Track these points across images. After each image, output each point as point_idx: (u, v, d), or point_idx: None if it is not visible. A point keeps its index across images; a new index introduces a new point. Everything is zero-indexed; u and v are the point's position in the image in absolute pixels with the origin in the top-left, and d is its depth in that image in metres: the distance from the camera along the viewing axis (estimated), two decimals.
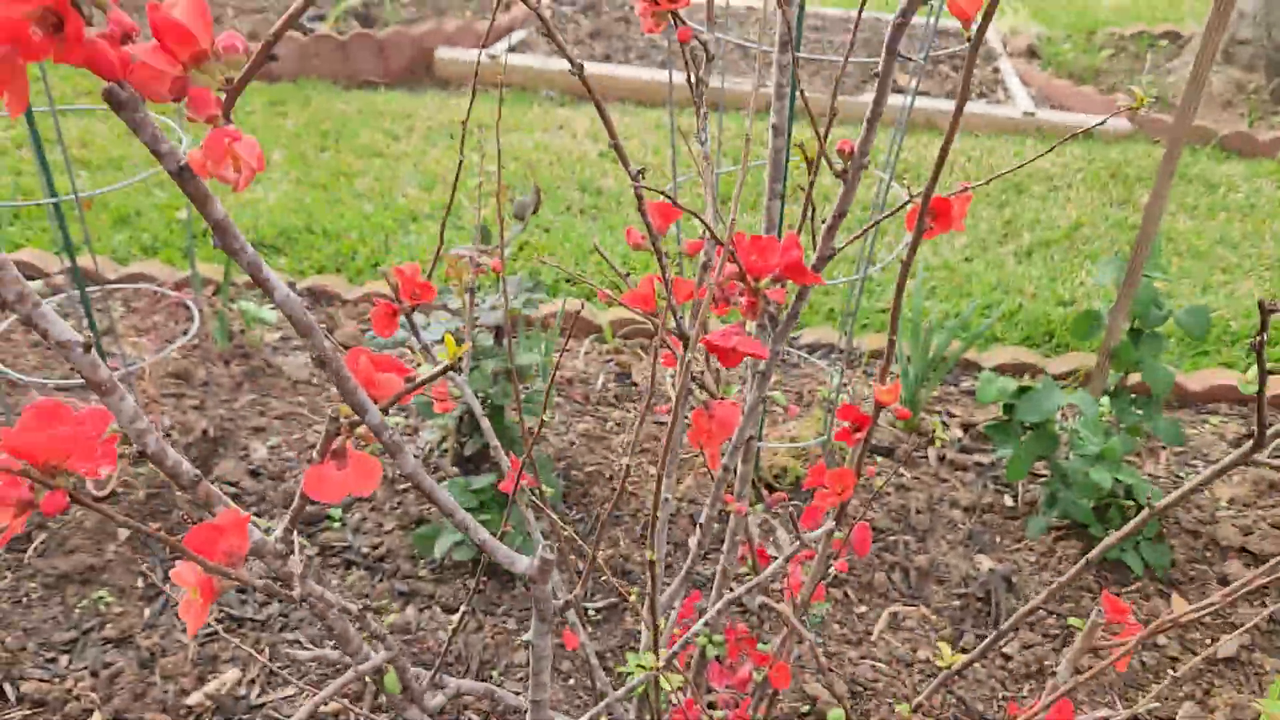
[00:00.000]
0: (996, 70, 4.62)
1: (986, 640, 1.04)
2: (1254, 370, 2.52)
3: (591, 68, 4.19)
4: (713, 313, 0.92)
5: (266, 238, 2.88)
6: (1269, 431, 0.78)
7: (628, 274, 1.03)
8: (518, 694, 1.22)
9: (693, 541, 1.03)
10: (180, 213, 2.97)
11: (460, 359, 0.69)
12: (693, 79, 0.92)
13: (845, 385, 2.30)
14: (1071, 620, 0.98)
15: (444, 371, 0.65)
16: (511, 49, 4.36)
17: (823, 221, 0.85)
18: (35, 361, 2.25)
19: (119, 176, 3.16)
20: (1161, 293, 1.94)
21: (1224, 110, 4.34)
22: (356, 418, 0.63)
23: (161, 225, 2.90)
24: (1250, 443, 0.79)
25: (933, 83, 4.45)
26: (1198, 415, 2.36)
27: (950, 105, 4.13)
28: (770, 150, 1.01)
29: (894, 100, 4.00)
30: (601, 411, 2.23)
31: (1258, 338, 0.67)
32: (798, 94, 1.01)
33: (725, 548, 1.18)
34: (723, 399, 0.96)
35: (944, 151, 0.80)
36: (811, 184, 0.83)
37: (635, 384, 2.32)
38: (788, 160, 1.01)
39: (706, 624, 1.20)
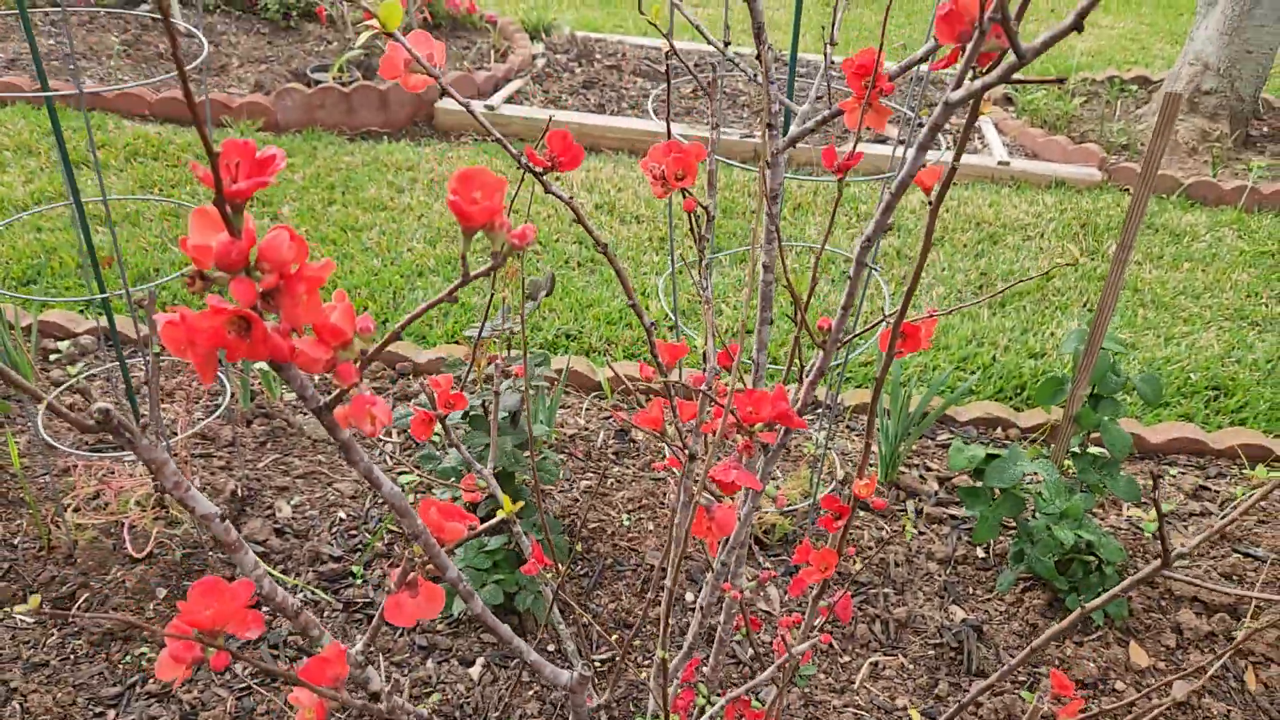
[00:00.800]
0: (978, 130, 4.80)
1: (951, 711, 1.19)
2: (1155, 512, 2.69)
3: (585, 118, 4.36)
4: (720, 435, 1.08)
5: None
6: (1173, 553, 0.93)
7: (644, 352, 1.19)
8: None
9: (693, 623, 1.18)
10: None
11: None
12: (698, 233, 1.08)
13: (831, 440, 2.46)
14: (1024, 694, 1.13)
15: (499, 523, 0.81)
16: (509, 100, 4.52)
17: (807, 375, 1.01)
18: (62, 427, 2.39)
19: (135, 232, 3.31)
20: (1125, 345, 2.10)
21: (1190, 158, 4.54)
22: (427, 558, 0.78)
23: (179, 284, 3.04)
24: (1158, 562, 0.94)
25: (908, 132, 4.63)
26: (1157, 466, 2.53)
27: (934, 157, 4.30)
28: (761, 284, 1.17)
29: (879, 150, 4.18)
30: (603, 467, 2.39)
31: (1154, 492, 0.82)
32: (782, 269, 1.17)
33: (722, 619, 1.33)
34: (722, 503, 1.11)
35: (911, 289, 0.96)
36: (796, 343, 0.99)
37: (634, 441, 2.48)
38: (770, 297, 1.17)
39: (705, 681, 1.35)
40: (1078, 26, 0.58)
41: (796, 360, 1.01)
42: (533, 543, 1.37)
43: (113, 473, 2.15)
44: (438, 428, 1.82)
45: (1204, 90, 4.61)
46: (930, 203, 0.96)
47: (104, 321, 2.76)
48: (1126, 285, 3.45)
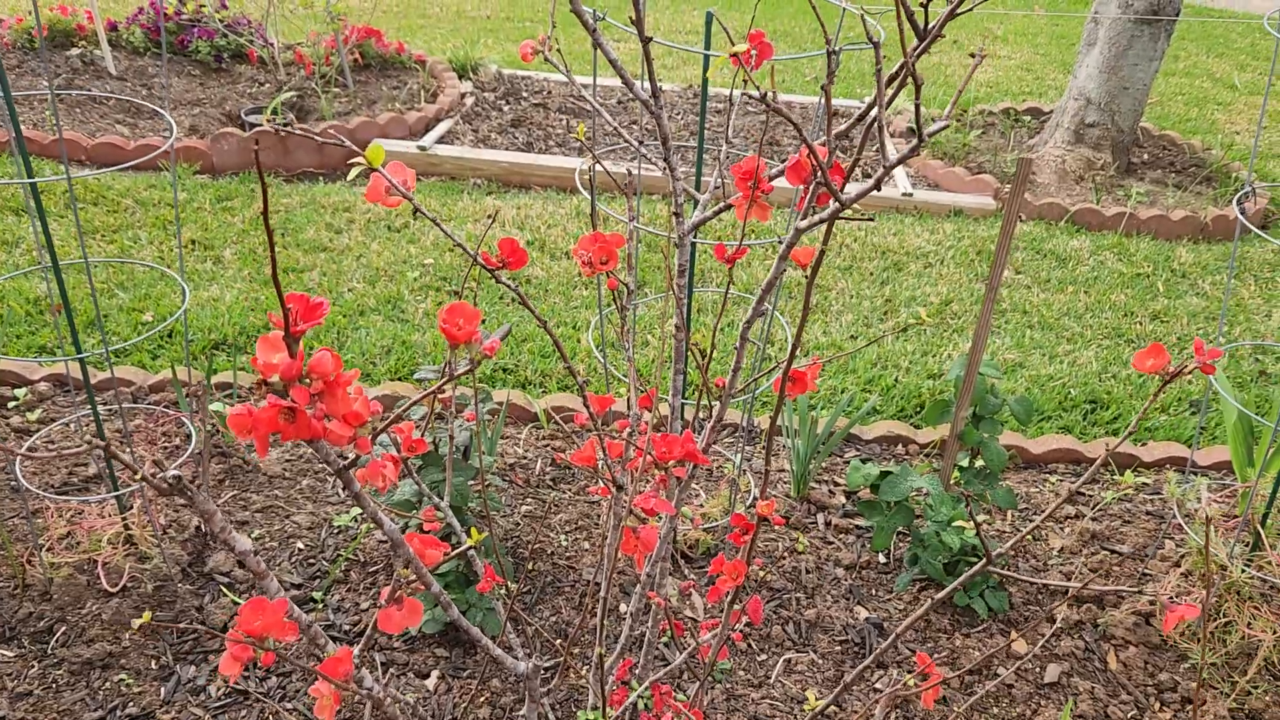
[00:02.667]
0: (879, 151, 5.13)
1: (840, 687, 1.43)
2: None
3: (516, 156, 4.57)
4: (638, 471, 1.31)
5: (229, 336, 3.19)
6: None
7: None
8: None
9: (624, 628, 1.41)
10: (146, 315, 3.26)
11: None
12: (620, 303, 1.31)
13: (747, 461, 2.71)
14: (908, 679, 1.37)
15: (466, 550, 1.02)
16: (440, 140, 4.72)
17: (713, 419, 1.25)
18: (33, 467, 2.53)
19: (80, 280, 3.43)
20: (1001, 370, 2.37)
21: (1077, 185, 4.92)
22: (414, 578, 0.99)
23: (129, 328, 3.18)
24: (983, 560, 1.19)
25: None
26: (1039, 475, 2.82)
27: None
28: (674, 342, 1.40)
29: (784, 185, 4.47)
30: (541, 494, 2.60)
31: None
32: (690, 343, 1.41)
33: (649, 624, 1.56)
34: (646, 524, 1.34)
35: (794, 345, 1.20)
36: (700, 393, 1.22)
37: (569, 468, 2.69)
38: (687, 349, 1.41)
39: (637, 679, 1.58)
40: (876, 187, 0.82)
41: (704, 405, 1.24)
42: (485, 565, 1.58)
43: (82, 514, 2.30)
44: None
45: (1087, 123, 5.00)
46: (806, 276, 1.20)
47: (57, 369, 2.90)
48: (1016, 308, 3.77)
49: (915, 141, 0.96)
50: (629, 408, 1.28)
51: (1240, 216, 2.10)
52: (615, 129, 1.31)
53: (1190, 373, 1.06)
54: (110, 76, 5.05)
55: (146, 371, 2.96)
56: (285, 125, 4.52)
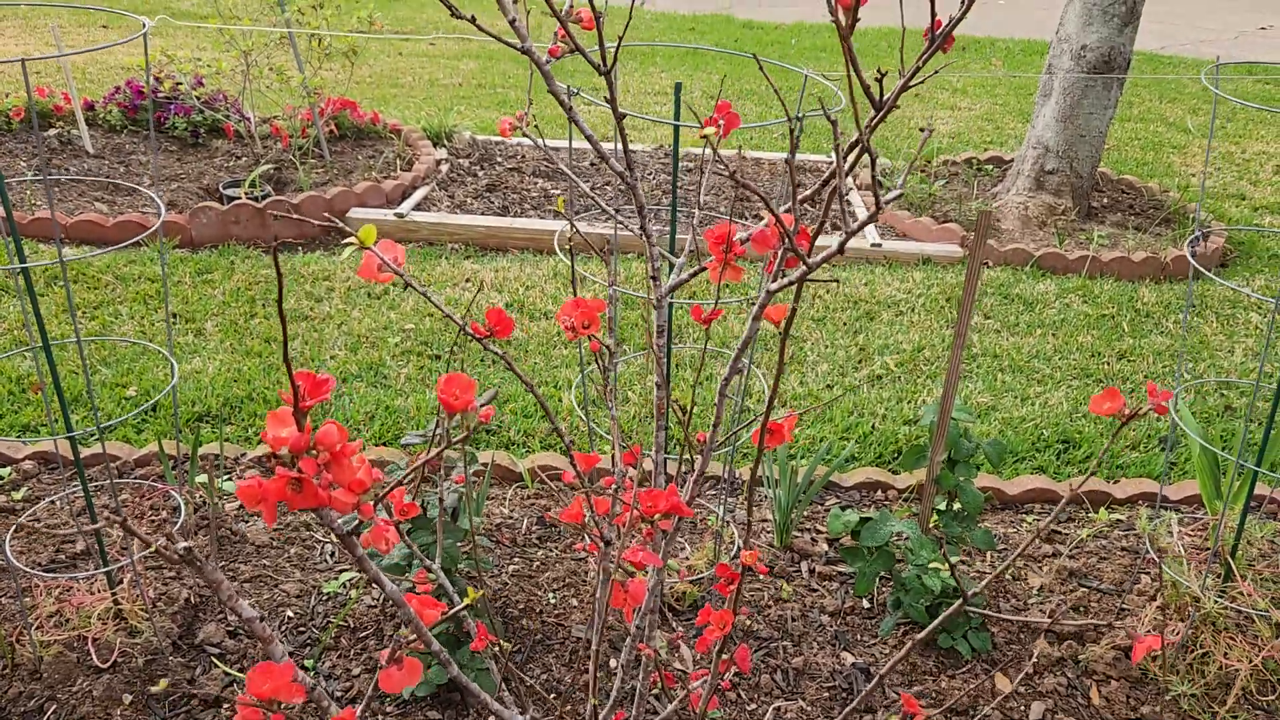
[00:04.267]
0: (848, 204, 5.25)
1: None
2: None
3: (492, 220, 4.66)
4: (626, 525, 1.35)
5: (212, 408, 3.21)
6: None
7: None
8: None
9: (615, 682, 1.44)
10: (130, 390, 3.28)
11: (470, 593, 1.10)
12: (603, 365, 1.36)
13: (730, 513, 2.75)
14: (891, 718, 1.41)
15: (463, 609, 1.06)
16: (417, 207, 4.80)
17: (694, 472, 1.30)
18: (20, 546, 2.53)
19: (64, 355, 3.46)
20: (974, 414, 2.43)
21: (1040, 230, 5.05)
22: (414, 637, 1.03)
23: (112, 404, 3.21)
24: (960, 600, 1.24)
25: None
26: (1016, 515, 2.88)
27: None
28: (656, 398, 1.45)
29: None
30: (528, 553, 2.63)
31: None
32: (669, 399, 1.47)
33: (640, 676, 1.59)
34: (634, 578, 1.39)
35: (771, 400, 1.25)
36: (683, 448, 1.28)
37: (555, 526, 2.73)
38: (668, 405, 1.46)
39: None
40: (840, 251, 0.89)
41: (687, 460, 1.29)
42: (478, 625, 1.61)
43: (71, 590, 2.31)
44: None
45: (1047, 170, 5.15)
46: (780, 334, 1.26)
47: (41, 448, 2.91)
48: (987, 353, 3.86)
49: (873, 211, 1.03)
50: (614, 464, 1.33)
51: (1192, 260, 2.19)
52: (592, 198, 1.37)
53: (1145, 414, 1.13)
54: (88, 155, 5.12)
55: (131, 446, 2.99)
56: (263, 197, 4.59)
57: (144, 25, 1.83)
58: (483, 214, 4.82)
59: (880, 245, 4.69)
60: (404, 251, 1.06)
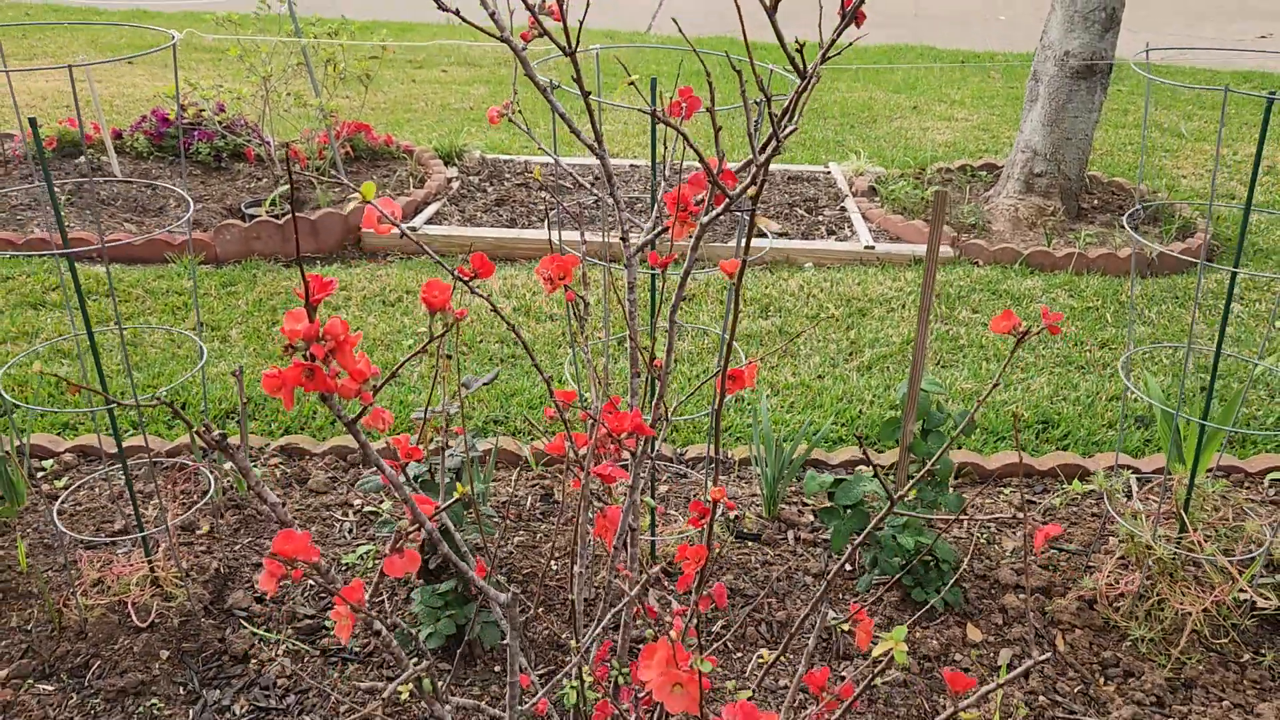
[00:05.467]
0: (843, 209, 5.45)
1: (788, 638, 1.64)
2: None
3: (500, 233, 4.87)
4: (602, 453, 1.54)
5: (237, 406, 3.42)
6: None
7: (545, 430, 1.65)
8: (493, 717, 1.78)
9: (600, 608, 1.62)
10: (161, 390, 3.50)
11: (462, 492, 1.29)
12: (573, 327, 1.55)
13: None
14: (844, 626, 1.58)
15: (460, 499, 1.25)
16: (429, 221, 5.02)
17: (660, 398, 1.49)
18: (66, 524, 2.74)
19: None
20: (961, 396, 2.60)
21: (1030, 231, 5.22)
22: (413, 529, 1.22)
23: (145, 402, 3.42)
24: (888, 505, 1.42)
25: (790, 224, 5.25)
26: (994, 488, 3.04)
27: (805, 244, 4.91)
28: (630, 349, 1.64)
29: (757, 242, 4.76)
30: (532, 526, 2.81)
31: None
32: (638, 340, 1.66)
33: (624, 605, 1.77)
34: (611, 504, 1.57)
35: (728, 348, 1.44)
36: (658, 397, 1.47)
37: (557, 502, 2.91)
38: (636, 358, 1.65)
39: (617, 658, 1.79)
40: (754, 183, 1.08)
41: (661, 405, 1.48)
42: (477, 560, 1.80)
43: (111, 562, 2.51)
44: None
45: (1036, 173, 5.33)
46: (733, 285, 1.45)
47: (80, 441, 3.13)
48: (973, 344, 4.03)
49: (775, 145, 1.22)
50: (593, 399, 1.52)
51: (1132, 231, 2.36)
52: (574, 179, 1.57)
53: (1039, 333, 1.31)
54: (116, 180, 5.38)
55: (163, 439, 3.20)
56: (283, 214, 4.82)
57: (173, 37, 2.05)
58: (492, 226, 5.04)
59: (874, 248, 4.88)
60: (399, 208, 1.26)
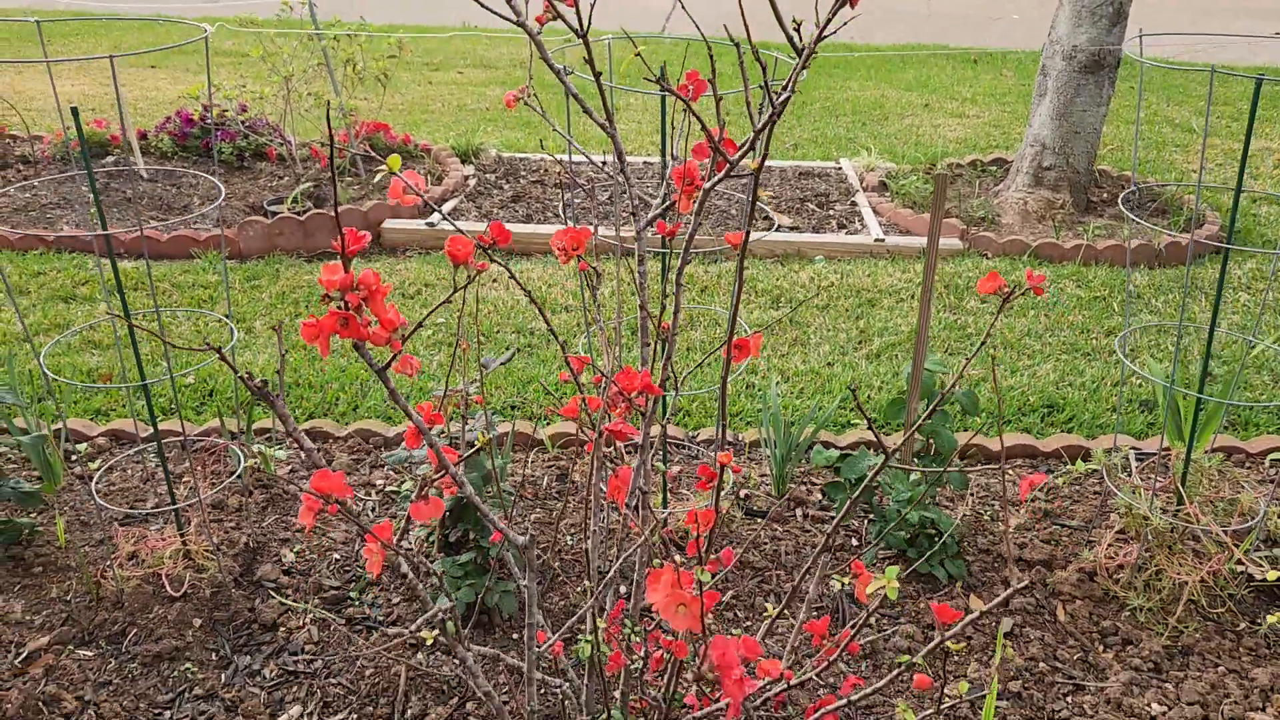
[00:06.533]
0: (854, 204, 5.52)
1: (792, 590, 1.72)
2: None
3: (516, 227, 4.98)
4: (614, 414, 1.63)
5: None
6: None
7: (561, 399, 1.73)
8: (513, 666, 1.87)
9: (614, 566, 1.71)
10: (188, 378, 3.61)
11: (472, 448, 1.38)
12: (586, 298, 1.64)
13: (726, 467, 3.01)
14: (835, 578, 1.66)
15: (477, 451, 1.34)
16: (445, 217, 5.12)
17: (668, 360, 1.58)
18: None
19: (127, 352, 3.80)
20: (968, 381, 2.67)
21: (1039, 223, 5.28)
22: (436, 474, 1.31)
23: (170, 390, 3.53)
24: (882, 458, 1.50)
25: (801, 218, 5.33)
26: (999, 469, 3.11)
27: (816, 238, 4.99)
28: (640, 318, 1.73)
29: (773, 237, 4.85)
30: (548, 504, 2.90)
31: None
32: (650, 309, 1.75)
33: (637, 565, 1.86)
34: (623, 465, 1.66)
35: (733, 314, 1.53)
36: (666, 358, 1.55)
37: (573, 482, 3.00)
38: (647, 326, 1.74)
39: (629, 618, 1.87)
40: (751, 147, 1.16)
41: (661, 357, 1.56)
42: (494, 530, 1.89)
43: (145, 538, 2.62)
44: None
45: (1045, 166, 5.39)
46: (739, 253, 1.53)
47: (113, 426, 3.24)
48: (981, 333, 4.10)
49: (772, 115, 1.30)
50: (604, 357, 1.61)
51: (1125, 209, 2.43)
52: (587, 157, 1.66)
53: (1023, 293, 1.39)
54: (142, 179, 5.51)
55: (192, 424, 3.30)
56: (304, 211, 4.94)
57: (205, 31, 2.15)
58: (508, 222, 5.14)
59: (884, 240, 4.95)
60: (423, 180, 1.35)
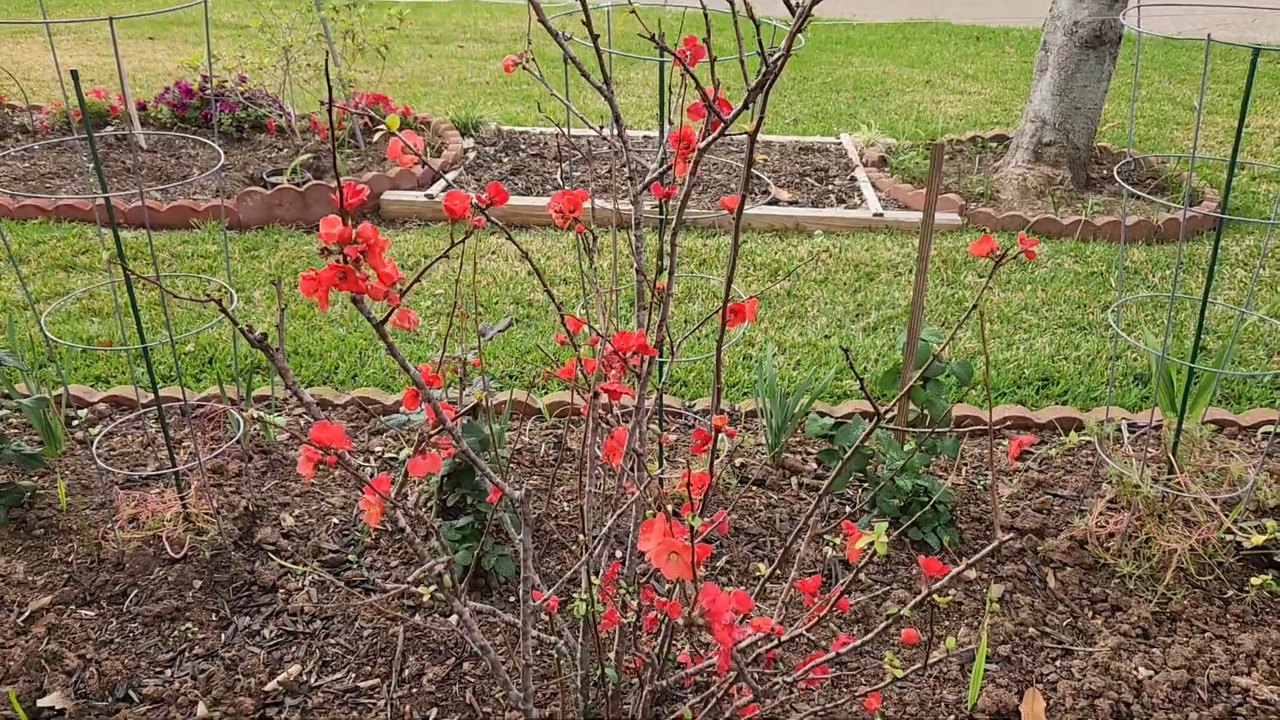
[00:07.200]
0: (854, 179, 5.52)
1: (784, 549, 1.75)
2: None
3: (516, 200, 4.98)
4: (609, 375, 1.65)
5: (262, 360, 3.55)
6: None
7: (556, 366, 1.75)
8: (509, 623, 1.90)
9: (609, 520, 1.73)
10: (188, 346, 3.63)
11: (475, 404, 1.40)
12: (584, 266, 1.66)
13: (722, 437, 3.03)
14: (832, 540, 1.69)
15: (475, 408, 1.36)
16: (446, 189, 5.13)
17: (660, 323, 1.60)
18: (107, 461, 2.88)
19: (127, 320, 3.81)
20: (964, 355, 2.69)
21: (1038, 199, 5.29)
22: (434, 430, 1.33)
23: (173, 358, 3.55)
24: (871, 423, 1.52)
25: (800, 193, 5.33)
26: (995, 439, 3.14)
27: (815, 212, 4.99)
28: (636, 282, 1.75)
29: (774, 210, 4.86)
30: (545, 472, 2.93)
31: None
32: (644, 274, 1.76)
33: (632, 525, 1.88)
34: (619, 427, 1.68)
35: (728, 281, 1.54)
36: (661, 319, 1.57)
37: (570, 449, 3.03)
38: (642, 290, 1.76)
39: (624, 579, 1.90)
40: (746, 106, 1.17)
41: (655, 318, 1.58)
42: (492, 487, 1.91)
43: (145, 500, 2.64)
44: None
45: (1044, 142, 5.39)
46: (733, 218, 1.55)
47: (112, 392, 3.26)
48: (976, 306, 4.11)
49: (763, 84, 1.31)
50: (600, 318, 1.63)
51: (1121, 180, 2.45)
52: (585, 122, 1.67)
53: (1015, 256, 1.40)
54: (141, 150, 5.51)
55: (192, 391, 3.33)
56: (304, 182, 4.94)
57: None
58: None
59: (882, 215, 4.96)
60: (423, 142, 1.37)
